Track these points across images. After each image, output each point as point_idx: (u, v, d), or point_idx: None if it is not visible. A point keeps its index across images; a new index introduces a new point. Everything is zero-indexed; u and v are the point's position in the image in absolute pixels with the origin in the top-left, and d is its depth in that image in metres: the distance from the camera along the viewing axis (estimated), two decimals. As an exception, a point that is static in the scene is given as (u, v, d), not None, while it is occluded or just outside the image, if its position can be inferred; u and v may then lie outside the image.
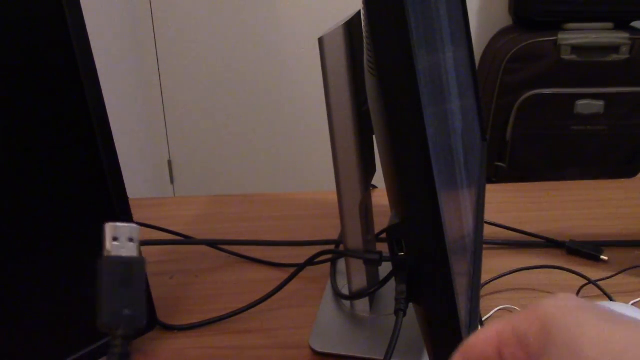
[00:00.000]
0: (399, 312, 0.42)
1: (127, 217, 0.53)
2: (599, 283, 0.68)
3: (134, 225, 0.34)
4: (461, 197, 0.51)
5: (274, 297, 0.67)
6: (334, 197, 0.93)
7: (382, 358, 0.45)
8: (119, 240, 0.33)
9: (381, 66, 0.36)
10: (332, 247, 0.78)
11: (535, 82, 1.74)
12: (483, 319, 0.63)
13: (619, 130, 1.78)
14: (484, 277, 0.70)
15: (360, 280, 0.61)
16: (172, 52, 2.05)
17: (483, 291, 0.68)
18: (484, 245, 0.77)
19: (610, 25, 1.74)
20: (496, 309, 0.65)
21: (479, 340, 0.27)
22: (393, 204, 0.42)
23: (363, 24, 0.40)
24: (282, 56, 2.06)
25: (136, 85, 2.00)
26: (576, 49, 1.71)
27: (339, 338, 0.60)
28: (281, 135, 2.16)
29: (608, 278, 0.69)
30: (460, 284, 0.45)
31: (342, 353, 0.59)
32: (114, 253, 0.33)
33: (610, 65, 1.71)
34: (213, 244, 0.78)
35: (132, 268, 0.33)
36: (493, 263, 0.74)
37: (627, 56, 1.70)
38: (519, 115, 1.77)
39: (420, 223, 0.39)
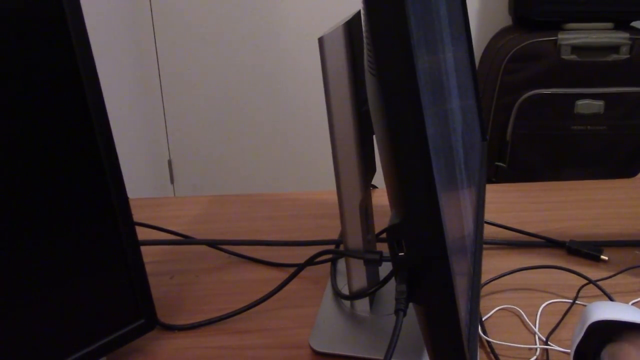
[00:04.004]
0: (399, 312, 0.42)
1: (127, 217, 0.53)
2: (599, 283, 0.68)
3: None
4: (461, 197, 0.51)
5: (274, 297, 0.67)
6: (334, 197, 0.93)
7: (382, 358, 0.45)
8: None
9: (381, 66, 0.36)
10: (332, 247, 0.78)
11: (535, 82, 1.74)
12: (483, 319, 0.63)
13: (619, 130, 1.78)
14: (484, 277, 0.70)
15: (360, 280, 0.61)
16: (172, 52, 2.05)
17: (483, 291, 0.68)
18: (484, 245, 0.77)
19: (610, 25, 1.74)
20: (496, 308, 0.65)
21: None
22: (393, 204, 0.42)
23: (363, 24, 0.40)
24: (282, 56, 2.06)
25: (136, 85, 2.00)
26: (576, 49, 1.71)
27: (339, 338, 0.60)
28: (281, 135, 2.16)
29: (608, 278, 0.69)
30: (460, 284, 0.45)
31: (342, 353, 0.59)
32: None
33: (610, 65, 1.71)
34: (213, 244, 0.78)
35: None
36: (493, 263, 0.74)
37: (627, 56, 1.70)
38: (519, 115, 1.77)
39: (420, 223, 0.39)
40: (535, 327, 0.62)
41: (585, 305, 0.65)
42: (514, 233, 0.80)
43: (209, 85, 2.09)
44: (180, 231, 0.82)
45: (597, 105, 1.75)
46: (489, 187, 0.92)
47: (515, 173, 1.84)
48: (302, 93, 2.10)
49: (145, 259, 0.56)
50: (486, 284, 0.69)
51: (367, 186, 0.59)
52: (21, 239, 0.46)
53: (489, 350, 0.59)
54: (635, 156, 1.82)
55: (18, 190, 0.45)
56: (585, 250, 0.74)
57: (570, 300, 0.66)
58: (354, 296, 0.62)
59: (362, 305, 0.64)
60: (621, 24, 1.76)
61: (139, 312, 0.56)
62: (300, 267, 0.68)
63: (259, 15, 2.01)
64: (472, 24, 2.01)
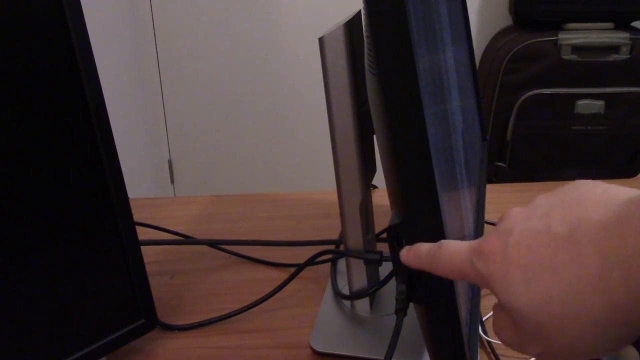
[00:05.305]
0: (399, 312, 0.42)
1: (127, 217, 0.53)
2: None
3: None
4: (461, 197, 0.51)
5: (274, 297, 0.67)
6: (334, 197, 0.93)
7: (382, 358, 0.45)
8: None
9: (381, 66, 0.36)
10: (332, 247, 0.77)
11: (535, 82, 1.74)
12: (483, 319, 0.63)
13: (619, 130, 1.78)
14: (484, 277, 0.70)
15: (360, 280, 0.61)
16: (172, 52, 2.05)
17: (483, 291, 0.68)
18: (484, 245, 0.77)
19: (610, 25, 1.74)
20: (496, 309, 0.65)
21: None
22: (393, 203, 0.42)
23: (363, 24, 0.40)
24: (282, 56, 2.06)
25: (136, 85, 2.00)
26: (576, 49, 1.71)
27: (339, 338, 0.60)
28: (281, 135, 2.16)
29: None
30: (461, 284, 0.45)
31: (343, 353, 0.59)
32: None
33: (610, 65, 1.71)
34: (213, 244, 0.78)
35: None
36: (493, 263, 0.73)
37: (627, 56, 1.70)
38: (519, 115, 1.77)
39: (421, 223, 0.39)
40: (535, 327, 0.62)
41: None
42: (514, 233, 0.79)
43: (209, 85, 2.09)
44: (180, 231, 0.82)
45: (597, 105, 1.75)
46: (489, 187, 0.92)
47: (515, 173, 1.84)
48: (303, 93, 2.10)
49: (145, 259, 0.56)
50: (486, 284, 0.69)
51: (367, 186, 0.59)
52: (21, 239, 0.46)
53: (489, 350, 0.59)
54: (635, 156, 1.82)
55: (18, 191, 0.45)
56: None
57: (571, 300, 0.66)
58: (354, 296, 0.62)
59: (362, 305, 0.64)
60: (621, 24, 1.76)
61: (139, 312, 0.56)
62: (300, 267, 0.68)
63: (259, 15, 2.01)
64: (472, 24, 2.01)
